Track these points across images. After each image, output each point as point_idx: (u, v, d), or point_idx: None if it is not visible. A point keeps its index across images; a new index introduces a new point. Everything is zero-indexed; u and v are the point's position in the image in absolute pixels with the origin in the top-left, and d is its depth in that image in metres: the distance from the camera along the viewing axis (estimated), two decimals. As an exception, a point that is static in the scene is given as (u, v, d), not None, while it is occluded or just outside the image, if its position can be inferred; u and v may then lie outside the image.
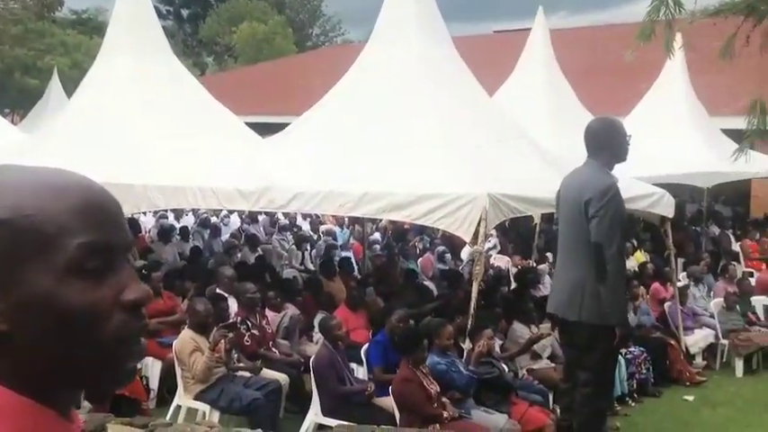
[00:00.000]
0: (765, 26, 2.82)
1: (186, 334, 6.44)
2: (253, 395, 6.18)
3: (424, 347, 5.96)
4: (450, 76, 8.31)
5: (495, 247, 12.92)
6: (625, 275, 5.19)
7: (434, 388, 5.85)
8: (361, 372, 6.97)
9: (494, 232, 13.15)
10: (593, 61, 17.88)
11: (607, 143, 4.85)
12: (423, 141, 7.40)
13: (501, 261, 12.29)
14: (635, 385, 8.28)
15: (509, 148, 7.93)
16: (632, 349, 8.44)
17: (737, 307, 9.74)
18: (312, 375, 6.31)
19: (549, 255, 11.68)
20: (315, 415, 6.22)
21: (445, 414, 5.75)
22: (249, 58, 39.27)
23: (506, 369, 6.68)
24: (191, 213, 15.05)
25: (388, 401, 6.01)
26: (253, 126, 10.57)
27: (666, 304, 9.59)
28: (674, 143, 12.39)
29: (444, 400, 5.92)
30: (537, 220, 12.63)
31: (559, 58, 13.31)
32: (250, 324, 7.13)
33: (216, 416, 6.24)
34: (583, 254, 4.70)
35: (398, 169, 7.24)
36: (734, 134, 10.62)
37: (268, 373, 6.76)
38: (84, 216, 0.95)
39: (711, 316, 9.75)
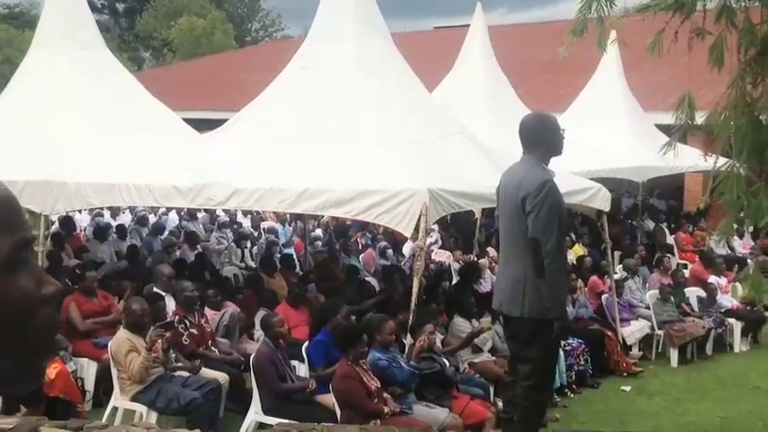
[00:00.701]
0: (693, 22, 2.87)
1: (122, 334, 6.31)
2: (191, 395, 6.08)
3: (364, 343, 5.95)
4: (390, 71, 8.29)
5: (436, 242, 12.98)
6: (565, 270, 5.25)
7: (375, 384, 5.84)
8: (302, 369, 6.92)
9: (435, 227, 13.22)
10: (531, 58, 18.09)
11: (542, 138, 4.89)
12: (362, 137, 7.38)
13: (442, 256, 12.35)
14: (574, 377, 8.41)
15: (449, 143, 7.96)
16: (571, 341, 8.57)
17: (672, 298, 9.97)
18: (252, 373, 6.24)
19: (489, 249, 11.79)
20: (255, 413, 6.16)
21: (386, 409, 5.74)
22: (188, 54, 38.70)
23: (447, 363, 6.70)
24: (128, 211, 14.76)
25: (330, 398, 5.98)
26: (191, 122, 10.41)
27: (604, 297, 9.76)
28: (610, 138, 12.63)
29: (385, 395, 5.91)
30: (477, 214, 12.74)
31: (498, 54, 13.43)
32: (188, 323, 7.02)
33: (153, 417, 6.13)
34: (522, 250, 4.74)
35: (338, 165, 7.21)
36: (668, 129, 10.86)
37: (207, 373, 6.66)
38: (9, 214, 0.98)
39: (647, 307, 9.96)
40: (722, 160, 2.88)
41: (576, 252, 12.38)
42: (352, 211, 7.12)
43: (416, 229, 6.77)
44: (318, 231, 13.47)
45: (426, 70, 15.09)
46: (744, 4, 2.77)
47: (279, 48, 26.07)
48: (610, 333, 9.20)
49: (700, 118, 3.03)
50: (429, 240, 13.15)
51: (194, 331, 7.02)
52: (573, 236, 13.37)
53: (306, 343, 6.91)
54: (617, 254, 12.40)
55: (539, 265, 4.65)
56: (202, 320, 7.25)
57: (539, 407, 4.93)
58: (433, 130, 8.02)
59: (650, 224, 15.23)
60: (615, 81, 13.69)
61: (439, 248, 12.66)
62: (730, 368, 9.34)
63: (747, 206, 2.65)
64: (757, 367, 8.69)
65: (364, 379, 5.82)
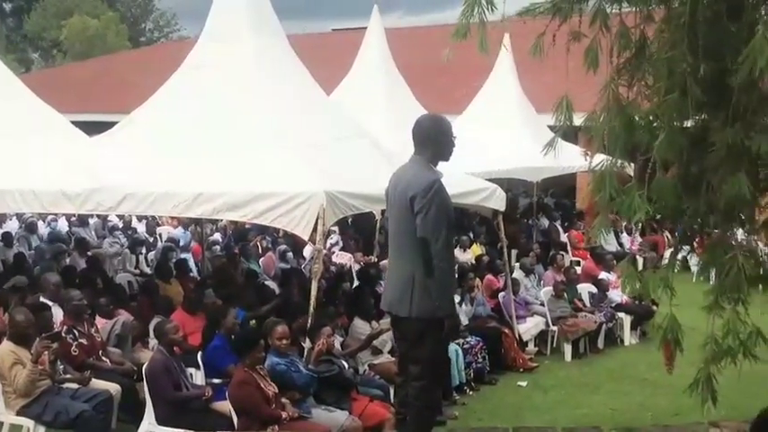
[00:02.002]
0: (570, 25, 2.96)
1: (6, 346, 6.02)
2: (81, 407, 5.87)
3: (261, 348, 5.87)
4: (285, 73, 8.23)
5: (337, 243, 12.98)
6: (453, 268, 5.29)
7: (272, 389, 5.77)
8: (199, 376, 6.78)
9: (335, 229, 13.21)
10: (429, 60, 18.28)
11: (434, 140, 4.92)
12: (258, 140, 7.29)
13: (343, 258, 12.35)
14: (472, 374, 8.55)
15: (346, 145, 7.96)
16: (469, 339, 8.72)
17: (565, 294, 10.27)
18: (145, 383, 6.06)
19: (390, 251, 11.84)
20: (149, 424, 5.99)
21: (284, 415, 5.69)
22: (80, 54, 37.41)
23: (347, 366, 6.69)
24: (15, 218, 14.14)
25: (227, 406, 5.88)
26: (81, 125, 10.04)
27: (500, 295, 9.97)
28: (506, 140, 12.92)
29: (284, 400, 5.86)
30: (378, 216, 12.80)
31: (396, 56, 13.52)
32: (77, 333, 6.77)
33: (41, 431, 5.89)
34: (411, 249, 4.75)
35: (234, 168, 7.11)
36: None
37: (98, 384, 6.44)
38: None
39: (542, 304, 10.22)
40: (597, 159, 2.98)
41: (474, 252, 12.61)
42: (248, 215, 7.03)
43: (314, 231, 6.76)
44: (217, 236, 13.26)
45: (325, 72, 15.04)
46: (618, 8, 2.87)
47: (174, 49, 25.53)
48: (507, 330, 9.40)
49: (580, 119, 3.13)
50: (329, 243, 13.14)
51: (84, 341, 6.77)
52: (471, 235, 13.62)
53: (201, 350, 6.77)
54: (514, 252, 12.69)
55: (428, 265, 4.67)
56: (92, 330, 7.00)
57: (431, 406, 4.96)
58: (331, 132, 8.00)
59: (545, 223, 15.66)
60: (509, 83, 14.02)
61: (340, 250, 12.65)
62: (621, 361, 9.68)
63: (620, 204, 2.75)
64: (646, 360, 9.01)
65: (261, 385, 5.75)
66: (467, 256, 12.27)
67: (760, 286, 2.90)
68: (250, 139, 7.31)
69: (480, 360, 8.74)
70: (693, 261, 14.77)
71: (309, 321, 6.79)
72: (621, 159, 2.91)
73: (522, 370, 9.16)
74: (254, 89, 7.75)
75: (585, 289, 10.91)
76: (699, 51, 2.52)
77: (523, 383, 8.76)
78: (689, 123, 2.82)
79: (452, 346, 8.27)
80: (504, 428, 6.45)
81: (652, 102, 2.82)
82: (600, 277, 11.00)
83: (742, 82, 2.31)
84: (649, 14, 2.91)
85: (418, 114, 12.03)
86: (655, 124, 2.72)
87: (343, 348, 7.44)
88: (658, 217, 2.80)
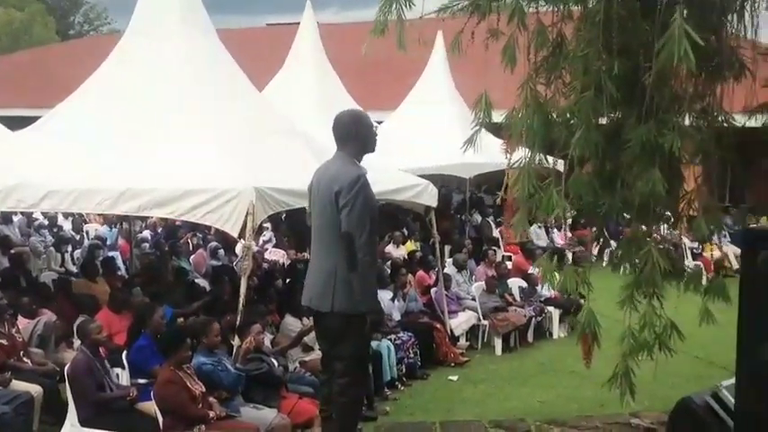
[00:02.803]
0: (489, 23, 2.98)
1: None
2: (0, 409, 5.68)
3: (187, 348, 5.78)
4: (214, 68, 8.12)
5: (270, 240, 12.87)
6: (376, 264, 5.29)
7: (199, 388, 5.69)
8: (125, 377, 6.63)
9: (269, 226, 13.11)
10: (364, 57, 18.29)
11: (355, 134, 4.93)
12: (186, 136, 7.17)
13: (277, 255, 12.26)
14: (404, 369, 8.58)
15: (277, 141, 7.90)
16: (401, 335, 8.75)
17: (496, 289, 10.39)
18: (67, 384, 5.91)
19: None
20: (71, 426, 5.83)
21: (211, 414, 5.61)
22: (4, 48, 36.25)
23: (276, 363, 6.63)
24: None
25: (152, 406, 5.77)
26: (7, 120, 9.71)
27: (432, 290, 10.03)
28: (439, 136, 12.98)
29: (211, 400, 5.78)
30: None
31: (332, 52, 13.46)
32: (-4, 334, 6.56)
33: (-42, 436, 5.69)
34: (334, 245, 4.74)
35: (161, 165, 6.97)
36: (490, 127, 11.32)
37: (19, 385, 6.25)
38: None
39: (473, 299, 10.33)
40: (516, 156, 3.01)
41: (408, 248, 12.65)
42: (175, 212, 6.91)
43: (243, 228, 6.69)
44: (146, 233, 13.01)
45: (260, 67, 14.91)
46: (536, 6, 2.90)
47: (104, 42, 24.92)
48: (438, 325, 9.47)
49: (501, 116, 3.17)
50: (263, 239, 13.04)
51: (4, 342, 6.56)
52: (405, 231, 13.66)
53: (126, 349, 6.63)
54: (448, 248, 12.78)
55: (351, 259, 4.68)
56: (13, 330, 6.79)
57: (355, 403, 4.96)
58: (261, 128, 7.93)
59: (478, 218, 15.81)
60: (442, 80, 14.10)
61: (273, 247, 12.55)
62: (549, 354, 9.85)
63: (539, 200, 2.78)
64: (574, 352, 9.07)
65: (188, 384, 5.65)
66: (400, 252, 12.31)
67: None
68: (178, 135, 7.19)
69: (412, 355, 8.78)
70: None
71: (239, 319, 6.73)
72: (540, 156, 2.95)
73: (453, 364, 9.24)
74: (181, 84, 7.62)
75: (516, 283, 11.06)
76: (613, 50, 2.57)
77: (454, 378, 8.84)
78: (605, 121, 2.88)
79: (384, 342, 8.30)
80: (431, 423, 6.48)
81: (569, 99, 2.86)
82: (530, 272, 11.16)
83: (654, 80, 2.35)
84: (569, 13, 2.95)
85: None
86: (572, 121, 2.76)
87: (274, 346, 7.38)
88: (572, 212, 2.83)
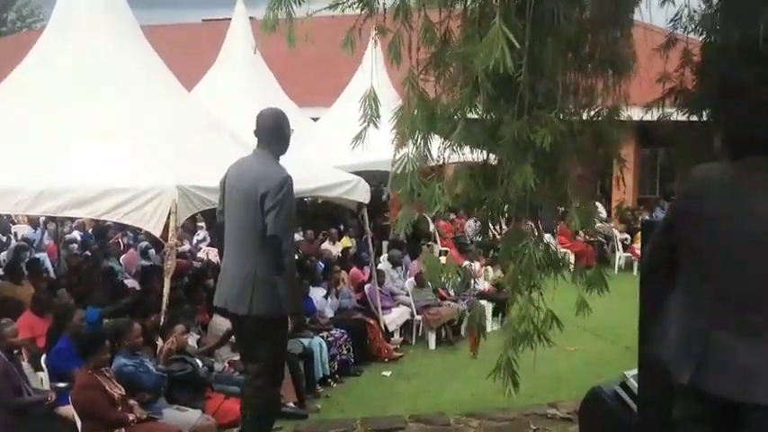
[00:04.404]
0: (377, 19, 3.00)
1: None
2: None
3: (106, 350, 5.69)
4: (137, 65, 8.00)
5: (204, 239, 12.75)
6: (295, 266, 5.25)
7: (119, 391, 5.60)
8: (45, 380, 6.51)
9: (203, 225, 12.98)
10: (298, 53, 18.19)
11: (278, 134, 4.87)
12: (107, 134, 7.05)
13: (211, 254, 12.14)
14: (336, 366, 8.58)
15: (203, 139, 7.81)
16: (334, 332, 8.76)
17: (429, 284, 10.45)
18: (-19, 390, 5.77)
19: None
20: (-13, 433, 5.71)
21: (131, 417, 5.53)
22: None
23: (201, 364, 6.58)
24: None
25: (72, 410, 5.67)
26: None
27: (366, 286, 10.05)
28: (374, 132, 12.95)
29: (131, 402, 5.70)
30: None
31: (266, 49, 13.34)
32: None
33: None
34: (255, 247, 4.64)
35: (81, 164, 6.85)
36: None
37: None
38: None
39: (407, 294, 10.37)
40: (401, 152, 3.04)
41: (343, 244, 12.65)
42: (96, 212, 6.81)
43: (166, 227, 6.61)
44: (76, 233, 12.76)
45: (195, 63, 14.75)
46: (422, 4, 2.93)
47: (35, 38, 24.37)
48: (372, 321, 9.50)
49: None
50: (197, 238, 12.91)
51: None
52: (341, 228, 13.67)
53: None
54: (385, 244, 12.81)
55: (278, 263, 4.61)
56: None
57: (271, 405, 4.91)
58: (186, 126, 7.84)
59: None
60: (377, 76, 14.06)
61: (207, 246, 12.43)
62: (482, 347, 9.84)
63: (422, 197, 2.81)
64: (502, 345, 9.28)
65: (107, 387, 5.56)
66: (336, 248, 12.31)
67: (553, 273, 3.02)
68: (99, 134, 7.06)
69: (345, 352, 8.79)
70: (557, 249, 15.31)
71: (162, 319, 6.66)
72: (424, 152, 2.98)
73: (387, 360, 9.28)
74: (100, 82, 7.49)
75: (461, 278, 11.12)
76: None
77: (388, 373, 8.88)
78: (486, 116, 2.92)
79: (316, 339, 8.31)
80: (351, 420, 6.50)
81: (451, 95, 2.89)
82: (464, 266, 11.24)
83: (525, 76, 2.40)
84: (463, 11, 2.98)
85: (284, 107, 11.99)
86: (455, 117, 2.80)
87: (201, 346, 7.33)
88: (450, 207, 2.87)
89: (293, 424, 6.56)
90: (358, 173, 9.86)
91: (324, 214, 14.51)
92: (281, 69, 14.21)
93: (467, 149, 2.98)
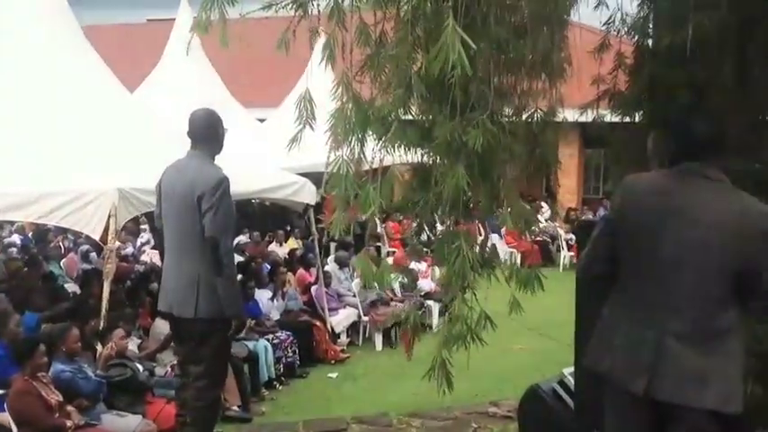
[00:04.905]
0: (311, 20, 3.00)
1: None
2: None
3: (42, 355, 5.56)
4: (78, 65, 7.84)
5: (148, 242, 12.56)
6: (235, 267, 5.24)
7: (56, 398, 5.49)
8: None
9: (146, 227, 12.79)
10: (245, 53, 18.08)
11: (212, 135, 4.85)
12: (43, 135, 6.89)
13: (155, 256, 11.96)
14: (282, 369, 8.54)
15: (144, 141, 7.70)
16: (279, 334, 8.71)
17: (376, 285, 10.46)
18: None
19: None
20: None
21: (69, 423, 5.43)
22: None
23: (141, 368, 6.48)
24: None
25: (7, 417, 5.54)
26: None
27: (313, 288, 10.02)
28: (321, 133, 12.92)
29: (69, 409, 5.58)
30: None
31: (212, 49, 13.19)
32: None
33: None
34: (196, 249, 4.63)
35: (15, 166, 6.67)
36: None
37: None
38: None
39: (354, 296, 10.37)
40: (336, 154, 3.03)
41: (290, 246, 12.60)
42: (32, 215, 6.63)
43: (105, 230, 6.50)
44: (15, 237, 12.47)
45: (139, 63, 14.55)
46: (358, 5, 2.93)
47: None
48: (319, 323, 9.47)
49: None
50: (140, 241, 12.73)
51: None
52: (288, 229, 13.61)
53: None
54: (332, 245, 12.78)
55: (217, 264, 4.60)
56: None
57: (212, 406, 4.89)
58: (129, 126, 7.71)
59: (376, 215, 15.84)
60: (324, 77, 14.04)
61: (151, 249, 12.25)
62: (429, 347, 9.88)
63: (356, 198, 2.82)
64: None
65: (43, 393, 5.44)
66: (283, 250, 12.25)
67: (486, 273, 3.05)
68: (36, 135, 6.91)
69: (291, 354, 8.75)
70: (502, 249, 15.52)
71: (102, 324, 6.55)
72: (358, 153, 2.99)
73: (333, 362, 9.26)
74: (41, 82, 7.32)
75: (396, 278, 11.15)
76: (422, 48, 2.62)
77: (334, 375, 8.87)
78: (420, 118, 2.95)
79: (261, 342, 8.25)
80: (293, 423, 6.48)
81: (385, 96, 2.91)
82: (410, 267, 11.26)
83: (457, 78, 2.42)
84: (396, 13, 2.98)
85: (229, 108, 11.88)
86: (390, 118, 2.81)
87: (142, 350, 7.22)
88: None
89: (236, 427, 6.52)
90: (305, 174, 9.82)
91: (271, 216, 14.43)
92: (228, 70, 14.10)
93: (402, 151, 2.99)
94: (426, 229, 3.16)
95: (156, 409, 6.23)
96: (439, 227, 3.14)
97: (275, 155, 10.70)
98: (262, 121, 14.52)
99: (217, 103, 11.75)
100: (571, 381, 4.45)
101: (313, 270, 10.41)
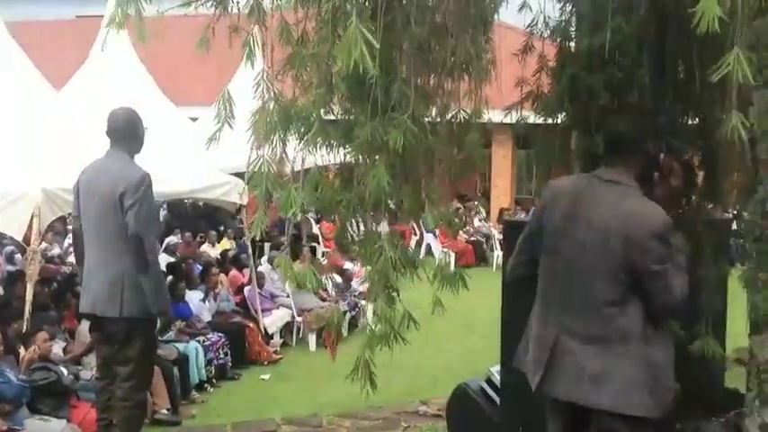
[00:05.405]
0: (231, 18, 2.98)
1: None
2: None
3: (-41, 360, 5.41)
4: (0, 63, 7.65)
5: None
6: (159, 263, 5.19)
7: (-25, 403, 5.35)
8: None
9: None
10: (179, 52, 17.81)
11: (133, 133, 4.82)
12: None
13: (83, 258, 11.69)
14: (213, 371, 8.44)
15: (72, 139, 7.55)
16: (210, 336, 8.61)
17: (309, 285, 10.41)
18: None
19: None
20: None
21: (-10, 429, 5.30)
22: None
23: (66, 372, 6.34)
24: None
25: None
26: None
27: (246, 289, 9.94)
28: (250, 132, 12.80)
29: (-10, 413, 5.45)
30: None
31: (143, 47, 12.94)
32: None
33: None
34: (119, 248, 4.59)
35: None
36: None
37: None
38: None
39: (288, 296, 10.31)
40: (255, 154, 3.02)
41: (223, 246, 12.47)
42: (-50, 217, 6.44)
43: (29, 231, 6.35)
44: (-64, 239, 12.03)
45: (68, 60, 14.15)
46: (279, 3, 2.93)
47: None
48: (251, 324, 9.39)
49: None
50: (68, 242, 12.39)
51: None
52: (222, 229, 13.47)
53: None
54: (267, 245, 12.69)
55: (142, 262, 4.57)
56: None
57: (140, 406, 4.84)
58: (53, 125, 7.55)
59: (298, 215, 15.79)
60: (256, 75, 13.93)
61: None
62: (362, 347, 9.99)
63: (278, 199, 2.81)
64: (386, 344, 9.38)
65: (-39, 400, 5.30)
66: (216, 251, 12.11)
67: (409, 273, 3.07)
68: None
69: (222, 356, 8.66)
70: (437, 249, 15.66)
71: (25, 326, 6.38)
72: (281, 153, 2.98)
73: (266, 363, 9.20)
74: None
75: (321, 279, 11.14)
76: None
77: (267, 376, 8.81)
78: (342, 118, 2.96)
79: (192, 344, 8.15)
80: (222, 426, 6.43)
81: (307, 95, 2.91)
82: (345, 267, 11.30)
83: (378, 78, 2.43)
84: (317, 12, 2.98)
85: (161, 107, 11.68)
86: (312, 118, 2.81)
87: (67, 353, 7.06)
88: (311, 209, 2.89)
89: (164, 431, 6.42)
90: (238, 174, 9.73)
91: (204, 216, 14.25)
92: (159, 68, 13.86)
93: (324, 151, 3.00)
94: (351, 229, 3.14)
95: (81, 413, 6.11)
96: (362, 227, 3.14)
97: (208, 154, 10.61)
98: (194, 119, 14.32)
99: (146, 101, 11.61)
100: (498, 378, 4.52)
101: (246, 271, 10.32)
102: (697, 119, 3.80)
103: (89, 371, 7.08)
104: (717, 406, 4.00)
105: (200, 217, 14.20)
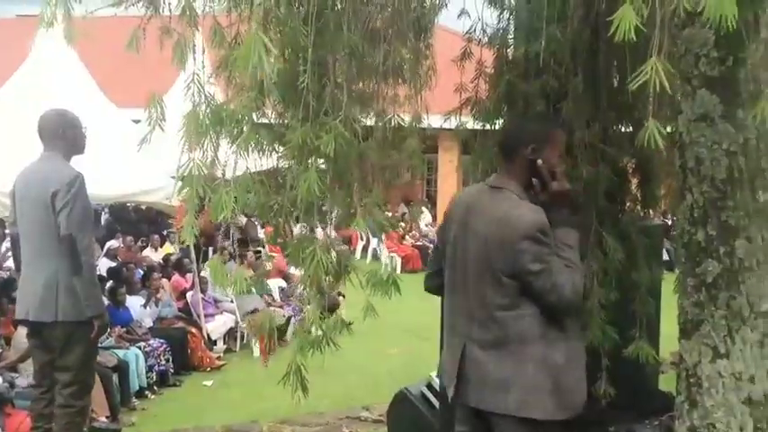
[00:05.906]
0: (163, 19, 2.94)
1: None
2: None
3: None
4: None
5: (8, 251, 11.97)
6: (95, 267, 5.10)
7: None
8: None
9: (9, 232, 12.20)
10: (122, 53, 17.51)
11: (62, 135, 4.73)
12: None
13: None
14: (154, 377, 8.33)
15: (8, 142, 7.40)
16: (151, 342, 8.48)
17: (254, 289, 10.34)
18: None
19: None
20: None
21: None
22: None
23: (1, 380, 6.18)
24: None
25: None
26: None
27: (189, 294, 9.82)
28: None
29: None
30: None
31: (84, 47, 12.71)
32: None
33: None
34: (53, 251, 4.50)
35: None
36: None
37: None
38: None
39: (232, 301, 10.22)
40: (186, 157, 2.98)
41: (166, 250, 12.30)
42: None
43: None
44: None
45: (6, 61, 13.78)
46: (213, 6, 2.90)
47: None
48: (194, 330, 9.28)
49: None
50: (6, 245, 12.10)
51: None
52: (165, 233, 13.29)
53: None
54: (211, 250, 12.54)
55: (75, 263, 4.48)
56: None
57: (81, 413, 4.74)
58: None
59: (242, 219, 15.67)
60: (202, 76, 13.79)
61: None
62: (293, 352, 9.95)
63: (209, 202, 2.78)
64: (329, 350, 9.35)
65: None
66: (158, 255, 11.94)
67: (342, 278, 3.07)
68: None
69: (164, 362, 8.55)
70: (384, 254, 15.69)
71: (-44, 334, 6.20)
72: (212, 157, 2.94)
73: (209, 369, 9.11)
74: None
75: (276, 284, 11.09)
76: (272, 51, 2.61)
77: (209, 382, 8.71)
78: (275, 122, 2.94)
79: (132, 350, 8.02)
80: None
81: (238, 98, 2.88)
82: (290, 272, 11.24)
83: (309, 83, 2.41)
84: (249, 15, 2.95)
85: (102, 107, 11.48)
86: (244, 121, 2.78)
87: (3, 360, 6.88)
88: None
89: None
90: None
91: (146, 220, 14.04)
92: (101, 69, 13.62)
93: (257, 155, 2.97)
94: (284, 233, 3.12)
95: (16, 421, 5.96)
96: (296, 230, 3.12)
97: (152, 156, 10.45)
98: (137, 122, 14.11)
99: (87, 102, 11.39)
100: (438, 383, 4.52)
101: (189, 276, 10.19)
102: (630, 126, 3.87)
103: (25, 378, 6.91)
104: (650, 408, 4.07)
105: (142, 221, 13.98)
